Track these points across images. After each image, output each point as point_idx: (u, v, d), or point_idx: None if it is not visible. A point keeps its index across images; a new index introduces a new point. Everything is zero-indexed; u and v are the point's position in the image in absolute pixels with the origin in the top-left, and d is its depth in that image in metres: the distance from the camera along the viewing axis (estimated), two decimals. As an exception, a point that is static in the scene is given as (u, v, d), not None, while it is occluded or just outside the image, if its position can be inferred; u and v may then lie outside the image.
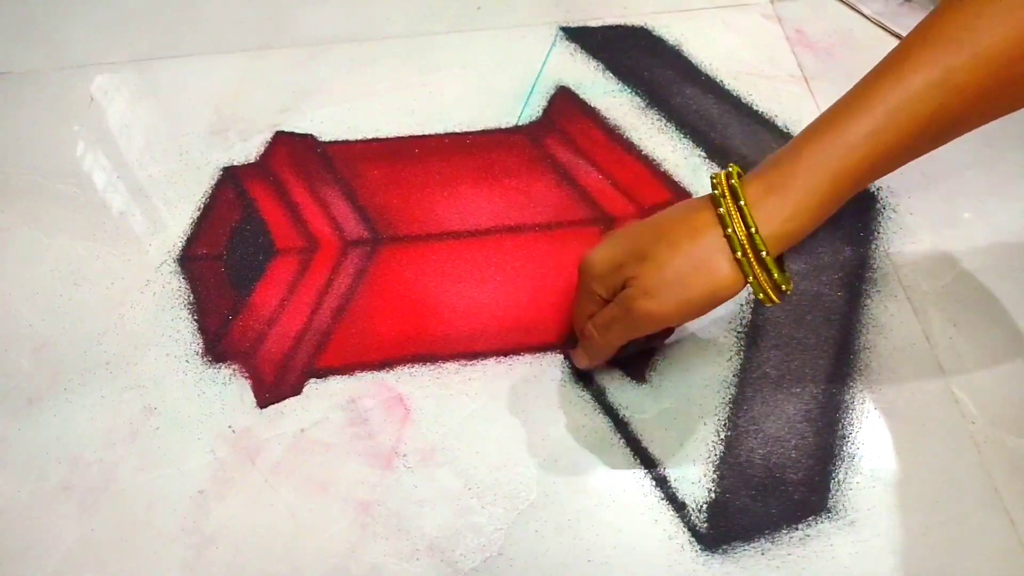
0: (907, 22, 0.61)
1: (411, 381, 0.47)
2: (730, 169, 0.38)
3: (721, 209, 0.37)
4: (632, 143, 0.56)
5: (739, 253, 0.36)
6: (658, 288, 0.37)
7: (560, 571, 0.41)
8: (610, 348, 0.42)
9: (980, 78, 0.34)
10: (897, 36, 0.61)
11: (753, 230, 0.36)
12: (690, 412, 0.45)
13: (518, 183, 0.55)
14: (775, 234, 0.36)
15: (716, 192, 0.37)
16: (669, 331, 0.47)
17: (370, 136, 0.57)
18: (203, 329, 0.49)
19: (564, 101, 0.59)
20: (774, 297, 0.37)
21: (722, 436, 0.44)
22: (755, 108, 0.58)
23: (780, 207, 0.36)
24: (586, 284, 0.41)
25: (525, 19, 0.64)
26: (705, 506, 0.42)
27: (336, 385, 0.47)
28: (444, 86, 0.60)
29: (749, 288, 0.37)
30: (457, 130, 0.57)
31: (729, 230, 0.36)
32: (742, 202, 0.36)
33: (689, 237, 0.37)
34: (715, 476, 0.43)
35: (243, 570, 0.41)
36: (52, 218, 0.54)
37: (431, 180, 0.55)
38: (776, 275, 0.36)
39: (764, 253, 0.36)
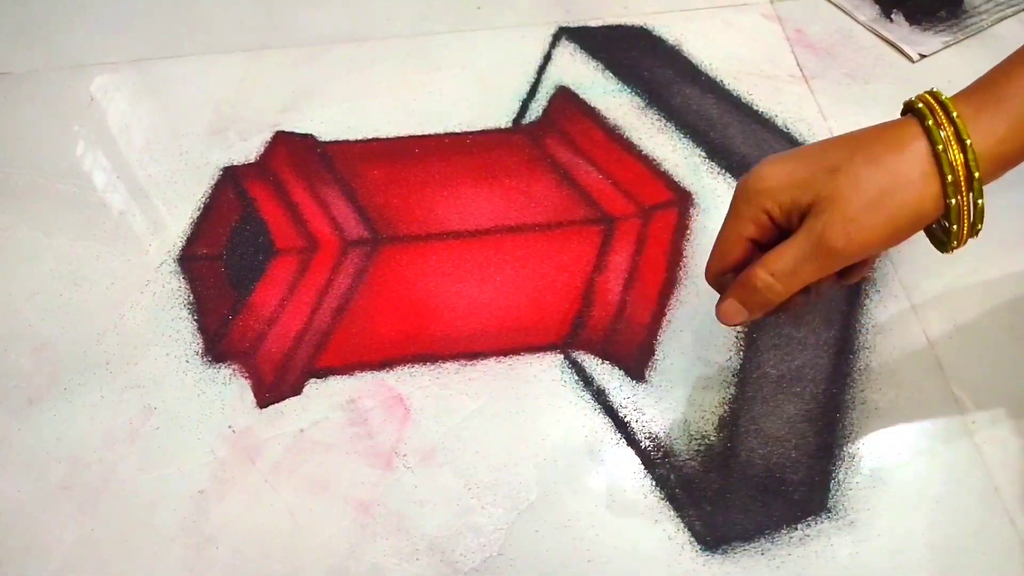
0: (900, 31, 0.61)
1: (411, 381, 0.47)
2: (934, 89, 0.33)
3: (930, 121, 0.32)
4: (632, 143, 0.56)
5: (949, 174, 0.31)
6: (859, 211, 0.32)
7: (560, 571, 0.41)
8: (788, 294, 0.35)
9: None
10: (891, 43, 0.61)
11: (968, 141, 0.31)
12: (690, 412, 0.45)
13: (518, 183, 0.55)
14: (990, 153, 0.32)
15: (920, 106, 0.32)
16: (863, 265, 0.38)
17: (370, 136, 0.57)
18: (203, 329, 0.49)
19: (564, 101, 0.59)
20: (966, 233, 0.33)
21: (722, 436, 0.44)
22: (755, 108, 0.58)
23: (994, 125, 0.32)
24: (752, 202, 0.34)
25: (525, 19, 0.64)
26: (705, 506, 0.42)
27: (336, 385, 0.47)
28: (444, 86, 0.60)
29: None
30: (457, 130, 0.57)
31: (940, 146, 0.31)
32: (955, 114, 0.32)
33: (894, 150, 0.32)
34: (715, 476, 0.43)
35: (243, 570, 0.41)
36: (52, 218, 0.54)
37: (431, 180, 0.55)
38: (980, 205, 0.32)
39: (976, 174, 0.31)
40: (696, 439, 0.44)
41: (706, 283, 0.39)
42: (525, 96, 0.59)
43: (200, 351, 0.48)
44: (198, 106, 0.59)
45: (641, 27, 0.63)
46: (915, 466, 0.43)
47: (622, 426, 0.45)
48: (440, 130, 0.58)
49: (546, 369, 0.47)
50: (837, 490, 0.42)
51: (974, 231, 0.34)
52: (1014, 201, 0.52)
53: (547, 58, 0.61)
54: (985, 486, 0.42)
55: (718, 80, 0.59)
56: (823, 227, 0.32)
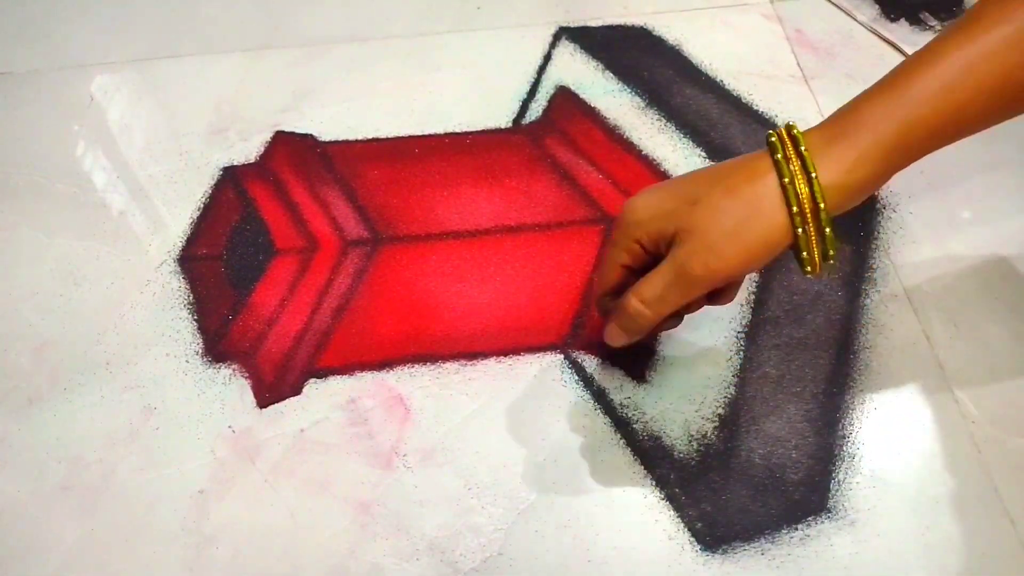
0: (900, 31, 0.62)
1: (411, 381, 0.47)
2: (789, 122, 0.36)
3: (779, 155, 0.34)
4: (632, 143, 0.56)
5: (794, 205, 0.34)
6: (717, 241, 0.34)
7: (560, 571, 0.41)
8: (658, 319, 0.38)
9: None
10: (891, 43, 0.61)
11: (814, 175, 0.33)
12: (690, 412, 0.45)
13: (518, 183, 0.55)
14: (836, 184, 0.34)
15: (773, 139, 0.35)
16: (730, 289, 0.41)
17: (370, 136, 0.57)
18: (203, 329, 0.49)
19: (564, 101, 0.59)
20: (817, 260, 0.35)
21: (722, 436, 0.44)
22: (755, 108, 0.58)
23: (843, 156, 0.34)
24: (625, 233, 0.37)
25: (525, 19, 0.64)
26: (705, 506, 0.42)
27: (336, 385, 0.47)
28: (444, 86, 0.60)
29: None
30: (457, 130, 0.57)
31: (787, 179, 0.34)
32: (803, 147, 0.34)
33: (748, 181, 0.34)
34: (715, 476, 0.43)
35: (243, 570, 0.41)
36: (52, 218, 0.54)
37: (431, 180, 0.55)
38: (828, 234, 0.34)
39: (821, 205, 0.33)
40: (696, 439, 0.44)
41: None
42: (525, 96, 0.59)
43: (200, 351, 0.48)
44: (198, 106, 0.59)
45: (641, 27, 0.63)
46: (915, 466, 0.43)
47: (622, 426, 0.45)
48: (440, 130, 0.58)
49: (546, 369, 0.47)
50: (837, 490, 0.42)
51: (826, 258, 0.35)
52: (1014, 201, 0.52)
53: (547, 58, 0.61)
54: (985, 486, 0.42)
55: (718, 80, 0.59)
56: (685, 256, 0.35)
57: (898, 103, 0.34)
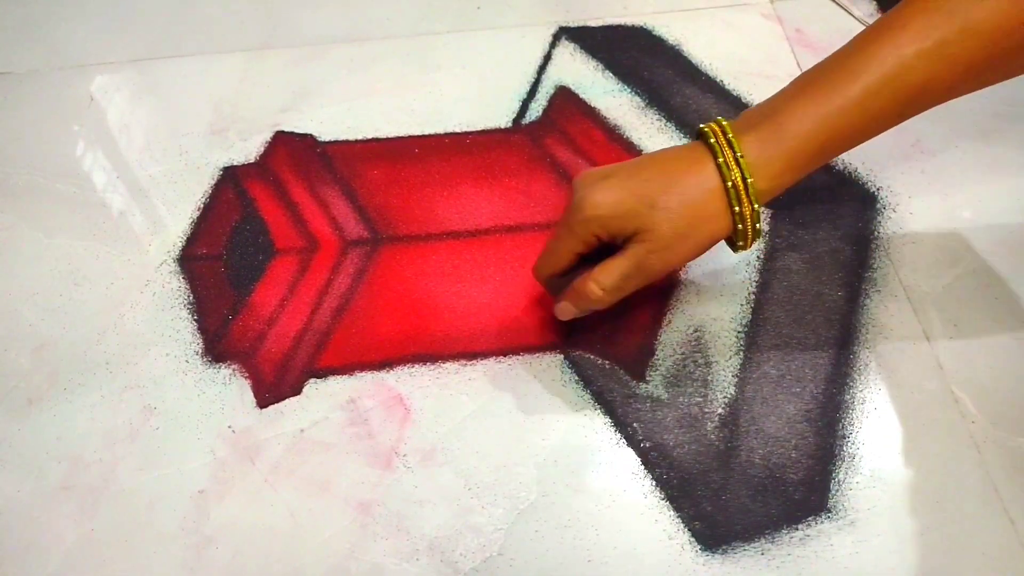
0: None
1: (411, 381, 0.47)
2: (720, 120, 0.39)
3: (720, 159, 0.38)
4: (632, 143, 0.56)
5: (736, 206, 0.38)
6: (673, 242, 0.39)
7: (560, 571, 0.41)
8: (613, 302, 0.42)
9: (971, 50, 0.35)
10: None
11: (750, 180, 0.38)
12: (690, 411, 0.45)
13: (518, 183, 0.55)
14: (765, 189, 0.39)
15: (713, 141, 0.39)
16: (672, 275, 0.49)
17: (370, 136, 0.57)
18: (203, 329, 0.49)
19: (564, 101, 0.59)
20: (749, 241, 0.40)
21: (722, 436, 0.44)
22: (755, 108, 0.58)
23: (771, 163, 0.38)
24: (584, 225, 0.40)
25: (525, 19, 0.64)
26: (705, 506, 0.42)
27: (336, 385, 0.47)
28: (444, 86, 0.60)
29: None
30: (457, 130, 0.57)
31: (729, 183, 0.38)
32: (739, 155, 0.38)
33: (697, 187, 0.39)
34: (715, 476, 0.43)
35: (243, 570, 0.41)
36: (52, 218, 0.54)
37: (431, 180, 0.55)
38: (758, 208, 0.39)
39: (756, 206, 0.38)
40: (696, 439, 0.44)
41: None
42: (525, 96, 0.59)
43: (200, 351, 0.48)
44: (198, 106, 0.59)
45: (641, 27, 0.63)
46: (915, 466, 0.43)
47: (622, 426, 0.45)
48: (440, 130, 0.58)
49: (546, 369, 0.47)
50: (837, 490, 0.42)
51: (757, 234, 0.40)
52: (1014, 201, 0.52)
53: (547, 58, 0.61)
54: (985, 486, 0.42)
55: (718, 80, 0.59)
56: (645, 253, 0.39)
57: (822, 113, 0.37)
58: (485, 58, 0.62)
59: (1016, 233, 0.51)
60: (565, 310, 0.44)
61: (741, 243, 0.40)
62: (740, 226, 0.39)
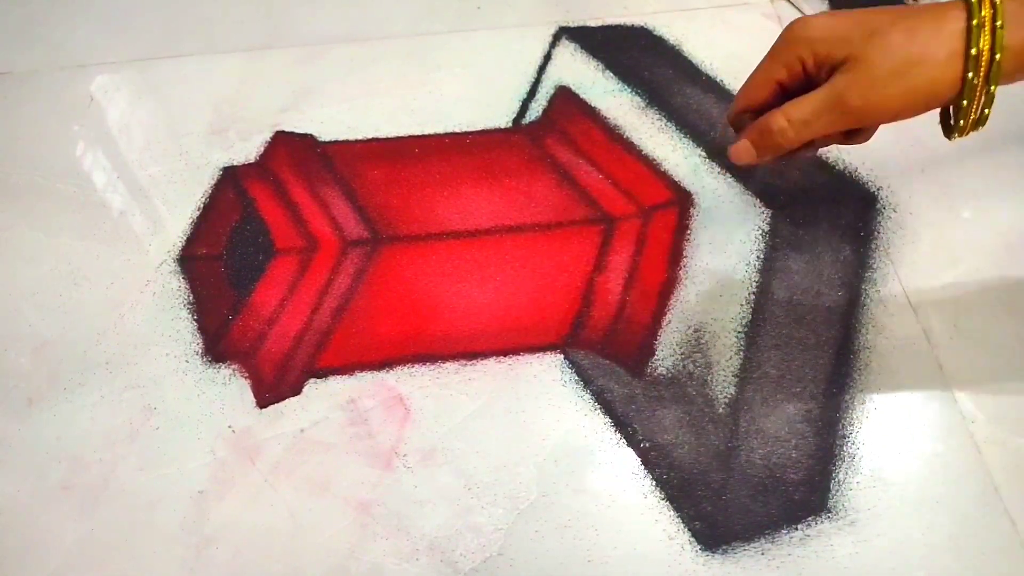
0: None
1: (411, 381, 0.47)
2: None
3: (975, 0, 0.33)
4: (632, 143, 0.56)
5: (974, 47, 0.32)
6: (883, 77, 0.33)
7: (560, 571, 0.41)
8: (799, 143, 0.37)
9: None
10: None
11: (999, 24, 0.32)
12: (690, 412, 0.45)
13: (518, 183, 0.55)
14: (1016, 47, 0.32)
15: None
16: (864, 132, 0.39)
17: (370, 136, 0.57)
18: (203, 329, 0.49)
19: (564, 101, 0.59)
20: (972, 119, 0.34)
21: (722, 436, 0.44)
22: (755, 108, 0.58)
23: None
24: (791, 47, 0.36)
25: (525, 19, 0.64)
26: (705, 506, 0.42)
27: (336, 385, 0.47)
28: (444, 86, 0.60)
29: None
30: (457, 130, 0.57)
31: (975, 20, 0.32)
32: (999, 1, 0.32)
33: (932, 24, 0.33)
34: (715, 476, 0.43)
35: (243, 570, 0.41)
36: (52, 218, 0.54)
37: (431, 180, 0.55)
38: (993, 90, 0.33)
39: (997, 56, 0.32)
40: (696, 439, 0.44)
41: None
42: (525, 96, 0.59)
43: (200, 351, 0.48)
44: (198, 106, 0.59)
45: (641, 27, 0.63)
46: (915, 466, 0.43)
47: (622, 426, 0.45)
48: (440, 130, 0.58)
49: (546, 369, 0.47)
50: (837, 490, 0.42)
51: (982, 118, 0.34)
52: (1014, 201, 0.52)
53: (547, 58, 0.61)
54: (985, 486, 0.42)
55: (718, 80, 0.59)
56: (846, 85, 0.34)
57: None
58: (485, 58, 0.62)
59: (1016, 233, 0.51)
60: (742, 150, 0.39)
61: (962, 120, 0.34)
62: (971, 74, 0.33)
